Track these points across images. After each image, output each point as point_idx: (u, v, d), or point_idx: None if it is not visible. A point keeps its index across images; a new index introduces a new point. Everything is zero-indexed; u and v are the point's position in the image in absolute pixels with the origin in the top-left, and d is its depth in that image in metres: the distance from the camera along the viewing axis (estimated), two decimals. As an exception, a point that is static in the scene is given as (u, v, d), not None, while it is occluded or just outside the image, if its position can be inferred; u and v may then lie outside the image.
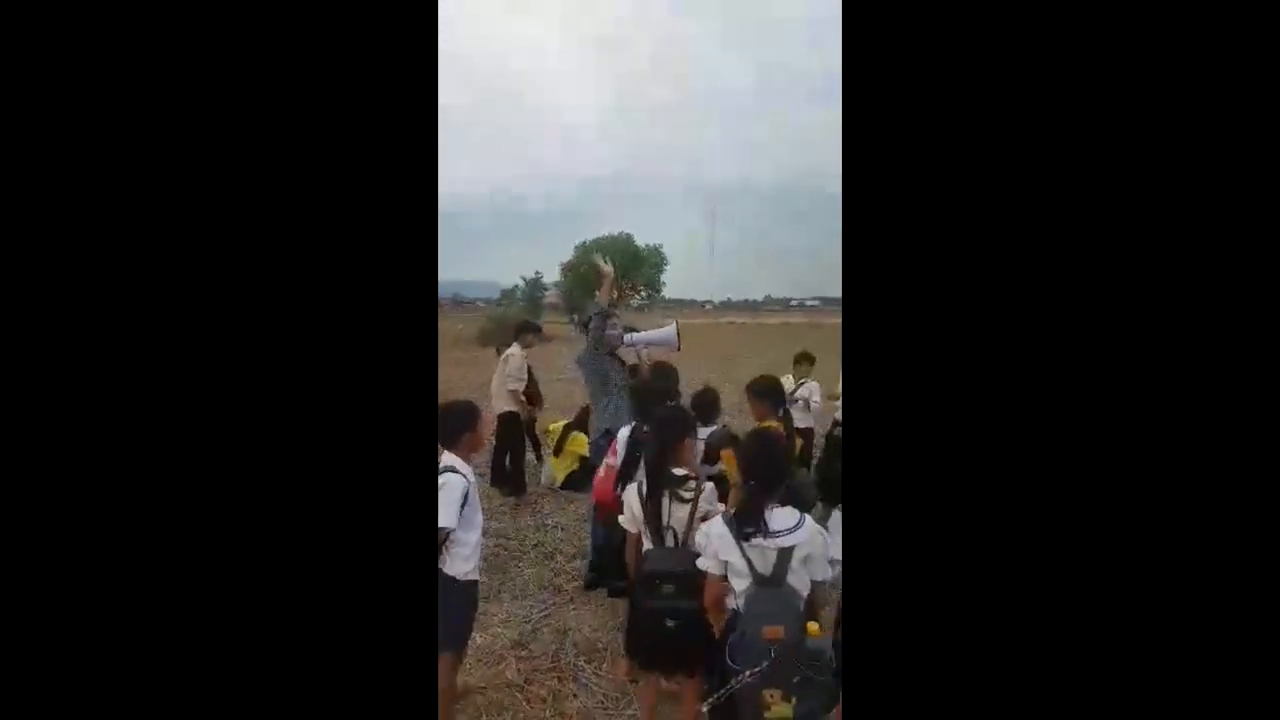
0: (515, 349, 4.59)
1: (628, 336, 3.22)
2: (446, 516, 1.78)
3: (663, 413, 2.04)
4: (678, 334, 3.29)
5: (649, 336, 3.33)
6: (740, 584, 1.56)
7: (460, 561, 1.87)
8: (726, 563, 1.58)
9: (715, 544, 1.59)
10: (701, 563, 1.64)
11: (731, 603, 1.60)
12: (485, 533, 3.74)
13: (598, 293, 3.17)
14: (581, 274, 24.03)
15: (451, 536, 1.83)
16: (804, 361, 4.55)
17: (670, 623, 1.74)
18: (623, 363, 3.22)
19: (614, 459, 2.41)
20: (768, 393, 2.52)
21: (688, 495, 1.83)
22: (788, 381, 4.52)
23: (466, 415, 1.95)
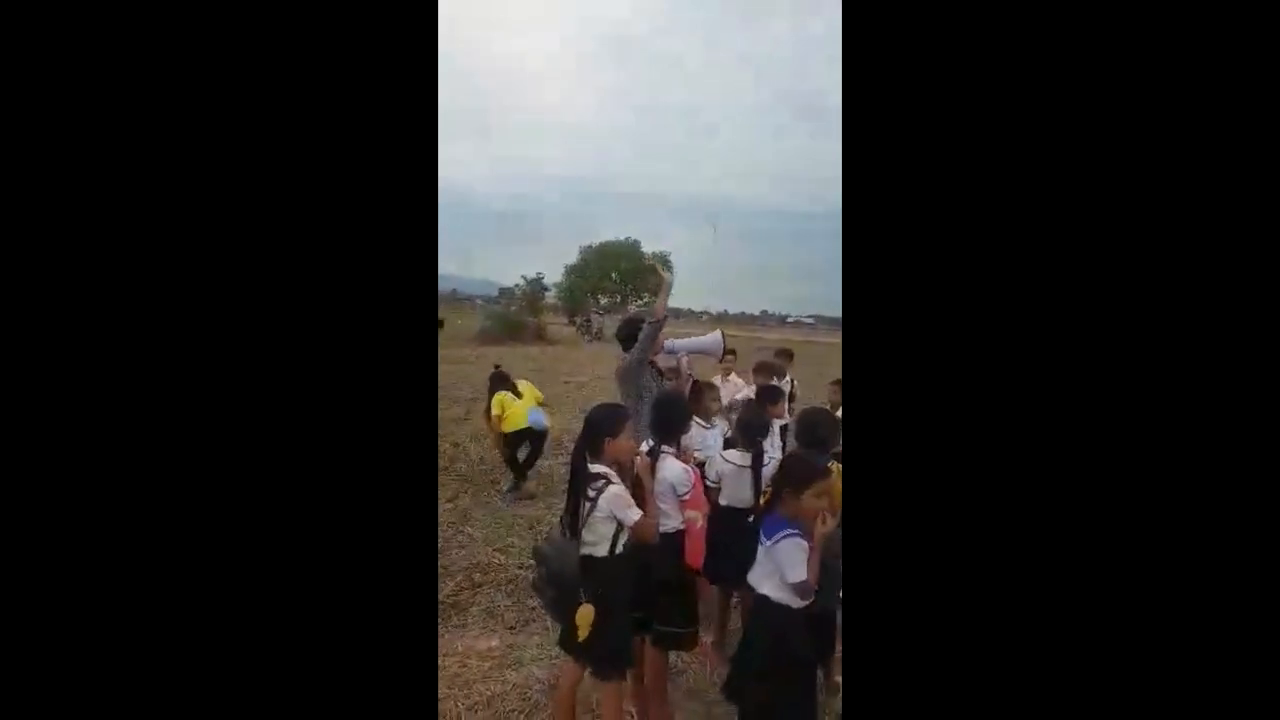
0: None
1: (669, 343, 2.99)
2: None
3: (595, 409, 1.99)
4: (722, 342, 3.11)
5: (693, 344, 3.15)
6: None
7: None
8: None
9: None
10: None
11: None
12: (505, 551, 3.50)
13: (656, 299, 2.96)
14: (587, 277, 23.77)
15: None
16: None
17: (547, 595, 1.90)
18: (660, 373, 2.95)
19: (697, 511, 2.02)
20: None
21: (592, 493, 1.79)
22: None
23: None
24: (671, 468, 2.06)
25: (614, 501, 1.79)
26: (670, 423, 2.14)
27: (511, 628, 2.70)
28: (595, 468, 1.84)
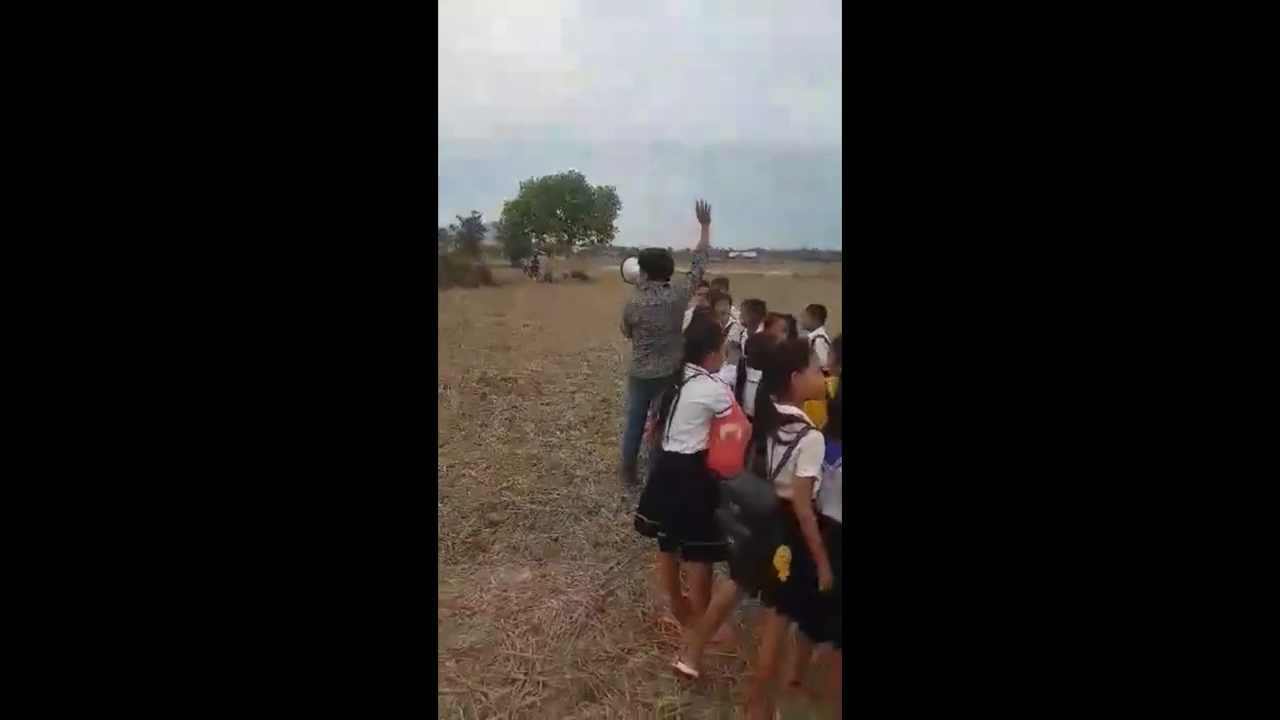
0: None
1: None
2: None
3: (773, 346, 2.04)
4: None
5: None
6: None
7: None
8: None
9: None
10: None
11: None
12: (514, 489, 3.52)
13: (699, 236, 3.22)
14: (530, 215, 22.86)
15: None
16: (813, 314, 4.37)
17: (730, 540, 1.83)
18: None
19: (736, 424, 2.08)
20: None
21: (786, 437, 1.73)
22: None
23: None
24: (705, 386, 2.11)
25: (816, 451, 1.69)
26: (704, 343, 2.19)
27: (539, 559, 2.75)
28: (785, 409, 1.77)
